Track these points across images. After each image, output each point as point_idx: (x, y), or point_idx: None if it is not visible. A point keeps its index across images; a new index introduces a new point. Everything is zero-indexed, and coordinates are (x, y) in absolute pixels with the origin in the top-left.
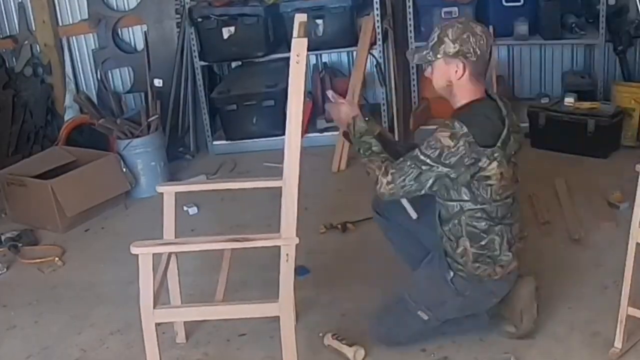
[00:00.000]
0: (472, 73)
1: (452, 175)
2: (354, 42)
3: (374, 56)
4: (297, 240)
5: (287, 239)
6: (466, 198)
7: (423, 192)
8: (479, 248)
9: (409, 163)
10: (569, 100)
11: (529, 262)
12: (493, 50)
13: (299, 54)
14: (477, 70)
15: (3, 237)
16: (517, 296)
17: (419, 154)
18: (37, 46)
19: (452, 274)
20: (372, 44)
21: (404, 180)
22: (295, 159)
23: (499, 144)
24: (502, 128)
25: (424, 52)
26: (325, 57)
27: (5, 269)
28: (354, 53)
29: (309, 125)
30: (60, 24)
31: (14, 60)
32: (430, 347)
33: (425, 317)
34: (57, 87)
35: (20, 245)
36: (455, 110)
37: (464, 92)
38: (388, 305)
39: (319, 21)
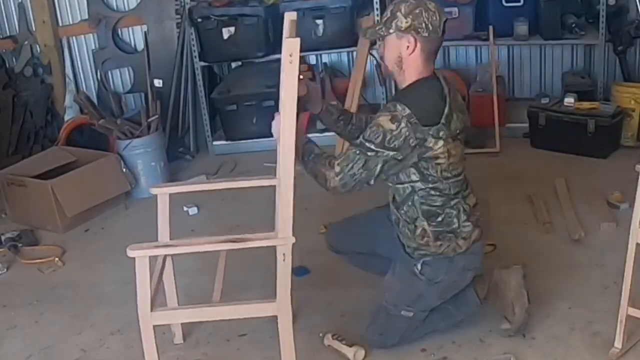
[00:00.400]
0: (423, 49)
1: (399, 158)
2: (354, 42)
3: (374, 56)
4: (293, 240)
5: (283, 239)
6: (416, 179)
7: (373, 180)
8: (437, 225)
9: (353, 150)
10: (569, 100)
11: (529, 261)
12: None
13: (292, 53)
14: (429, 46)
15: (3, 237)
16: (506, 286)
17: (363, 140)
18: (37, 46)
19: (419, 266)
20: (372, 44)
21: (352, 168)
22: (290, 158)
23: (442, 121)
24: (443, 106)
25: (377, 28)
26: (325, 57)
27: (5, 269)
28: (354, 53)
29: (309, 125)
30: (60, 24)
31: (14, 60)
32: (430, 347)
33: (410, 314)
34: (57, 87)
35: (20, 245)
36: (399, 91)
37: (413, 70)
38: (372, 313)
39: (319, 21)
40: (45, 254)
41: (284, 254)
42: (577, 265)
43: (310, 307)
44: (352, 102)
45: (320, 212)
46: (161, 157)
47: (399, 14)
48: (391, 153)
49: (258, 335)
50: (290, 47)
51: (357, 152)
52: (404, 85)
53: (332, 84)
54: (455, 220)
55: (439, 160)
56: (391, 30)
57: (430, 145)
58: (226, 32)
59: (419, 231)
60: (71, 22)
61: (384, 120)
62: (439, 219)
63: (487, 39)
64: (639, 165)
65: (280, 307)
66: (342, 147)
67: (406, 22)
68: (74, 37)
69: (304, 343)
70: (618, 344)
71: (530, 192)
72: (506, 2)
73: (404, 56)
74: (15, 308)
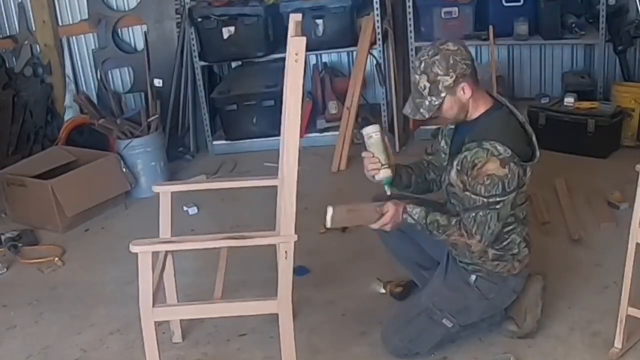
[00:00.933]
0: (474, 82)
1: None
2: (354, 42)
3: (374, 56)
4: (295, 238)
5: (285, 237)
6: None
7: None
8: (499, 249)
9: (482, 213)
10: (568, 100)
11: (530, 261)
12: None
13: (297, 52)
14: (475, 77)
15: (3, 237)
16: (524, 293)
17: (486, 199)
18: (37, 46)
19: (474, 277)
20: (372, 44)
21: (489, 228)
22: (294, 157)
23: (537, 154)
24: (527, 137)
25: (427, 102)
26: (325, 57)
27: (5, 269)
28: (354, 53)
29: (308, 125)
30: (60, 24)
31: (14, 60)
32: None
33: (450, 325)
34: (57, 87)
35: (20, 245)
36: (474, 120)
37: (479, 104)
38: (408, 316)
39: (319, 21)
40: (45, 253)
41: (285, 252)
42: (577, 265)
43: (310, 306)
44: (352, 102)
45: (321, 212)
46: (161, 157)
47: (439, 77)
48: (513, 194)
49: (258, 335)
50: (297, 45)
51: (487, 212)
52: (474, 116)
53: (332, 83)
54: (516, 246)
55: (524, 188)
56: (443, 94)
57: (528, 175)
58: (226, 32)
59: (478, 252)
60: (71, 22)
61: (494, 168)
62: (504, 243)
63: (487, 39)
64: (639, 165)
65: (281, 305)
66: (341, 147)
67: (451, 77)
68: (74, 37)
69: (304, 342)
70: (618, 343)
71: (529, 192)
72: (506, 1)
73: (466, 101)
74: (15, 308)
